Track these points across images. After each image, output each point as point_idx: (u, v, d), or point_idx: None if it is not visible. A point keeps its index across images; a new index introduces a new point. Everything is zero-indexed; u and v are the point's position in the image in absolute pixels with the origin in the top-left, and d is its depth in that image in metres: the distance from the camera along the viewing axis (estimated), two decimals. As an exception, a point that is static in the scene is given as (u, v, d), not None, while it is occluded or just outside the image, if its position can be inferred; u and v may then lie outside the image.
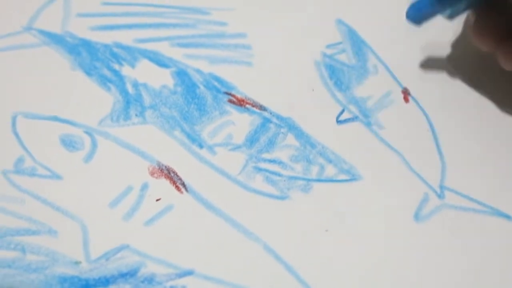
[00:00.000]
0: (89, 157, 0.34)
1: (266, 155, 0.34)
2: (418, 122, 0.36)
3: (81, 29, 0.38)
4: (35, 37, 0.37)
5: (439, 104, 0.36)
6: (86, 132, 0.34)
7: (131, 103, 0.35)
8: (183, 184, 0.33)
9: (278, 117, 0.36)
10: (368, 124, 0.36)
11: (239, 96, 0.36)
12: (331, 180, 0.34)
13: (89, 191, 0.33)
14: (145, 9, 0.39)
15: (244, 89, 0.36)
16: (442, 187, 0.34)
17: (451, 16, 0.35)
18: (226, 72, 0.37)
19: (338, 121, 0.36)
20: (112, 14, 0.38)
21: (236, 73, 0.37)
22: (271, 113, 0.36)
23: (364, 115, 0.36)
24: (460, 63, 0.38)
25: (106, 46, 0.37)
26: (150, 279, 0.31)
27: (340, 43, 0.38)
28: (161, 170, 0.33)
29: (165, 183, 0.33)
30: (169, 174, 0.33)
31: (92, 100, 0.35)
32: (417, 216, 0.33)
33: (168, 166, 0.34)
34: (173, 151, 0.34)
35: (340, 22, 0.39)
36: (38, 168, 0.33)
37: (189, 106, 0.36)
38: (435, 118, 0.36)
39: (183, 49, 0.38)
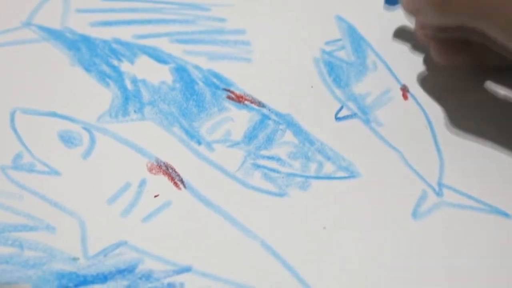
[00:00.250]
0: (87, 153, 0.34)
1: (264, 152, 0.34)
2: (417, 119, 0.36)
3: (81, 25, 0.38)
4: (34, 33, 0.37)
5: (437, 102, 0.36)
6: (85, 128, 0.34)
7: (129, 99, 0.35)
8: (181, 181, 0.33)
9: (277, 113, 0.36)
10: (367, 121, 0.36)
11: (238, 92, 0.36)
12: (329, 177, 0.34)
13: (87, 187, 0.33)
14: (144, 5, 0.39)
15: (243, 86, 0.36)
16: (440, 184, 0.34)
17: None
18: (225, 69, 0.37)
19: (337, 118, 0.36)
20: (111, 10, 0.38)
21: (235, 70, 0.37)
22: (269, 110, 0.36)
23: (363, 112, 0.36)
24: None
25: (105, 42, 0.37)
26: (148, 276, 0.31)
27: (339, 39, 0.38)
28: (159, 167, 0.33)
29: (163, 179, 0.33)
30: (167, 171, 0.33)
31: (91, 96, 0.35)
32: (415, 214, 0.33)
33: (167, 163, 0.34)
34: (171, 148, 0.34)
35: (339, 18, 0.39)
36: (37, 164, 0.33)
37: (188, 102, 0.36)
38: (434, 116, 0.36)
39: (182, 45, 0.38)
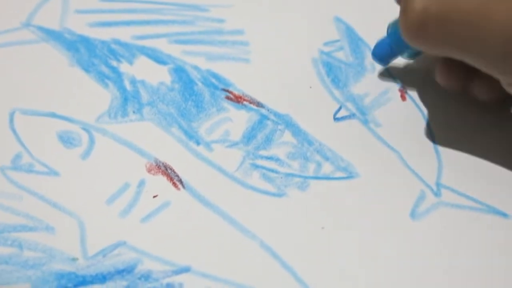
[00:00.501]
0: (86, 154, 0.34)
1: (263, 152, 0.34)
2: (415, 120, 0.36)
3: (79, 26, 0.38)
4: (33, 34, 0.37)
5: (436, 102, 0.36)
6: (84, 129, 0.34)
7: (128, 100, 0.35)
8: (180, 181, 0.33)
9: (276, 114, 0.36)
10: (365, 122, 0.36)
11: (236, 93, 0.36)
12: (328, 178, 0.34)
13: (86, 187, 0.33)
14: (143, 5, 0.39)
15: (241, 86, 0.36)
16: (438, 184, 0.34)
17: (410, 58, 0.36)
18: (224, 69, 0.37)
19: (335, 119, 0.36)
20: (110, 10, 0.38)
21: (233, 70, 0.37)
22: (268, 110, 0.36)
23: (361, 113, 0.36)
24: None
25: (104, 42, 0.37)
26: (147, 276, 0.31)
27: (338, 40, 0.38)
28: (158, 167, 0.33)
29: (162, 179, 0.33)
30: (166, 171, 0.33)
31: (90, 97, 0.35)
32: (413, 214, 0.33)
33: (165, 163, 0.34)
34: (170, 148, 0.34)
35: (338, 19, 0.39)
36: (36, 165, 0.33)
37: (187, 103, 0.36)
38: (432, 116, 0.36)
39: (181, 45, 0.38)
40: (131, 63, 0.37)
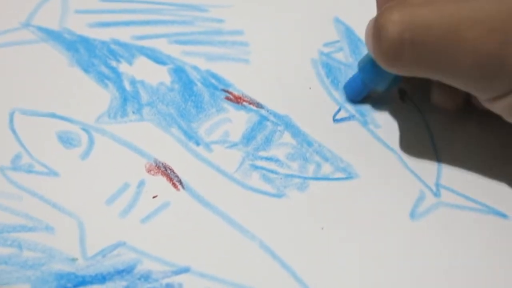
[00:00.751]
0: (86, 154, 0.34)
1: (262, 153, 0.34)
2: (414, 121, 0.36)
3: (79, 26, 0.38)
4: (33, 34, 0.37)
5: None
6: (83, 129, 0.34)
7: (128, 100, 0.35)
8: (180, 181, 0.33)
9: (275, 115, 0.36)
10: (365, 123, 0.36)
11: (236, 93, 0.36)
12: (327, 178, 0.34)
13: (86, 188, 0.33)
14: (143, 6, 0.39)
15: (241, 87, 0.36)
16: (438, 185, 0.34)
17: (385, 90, 0.35)
18: (224, 70, 0.37)
19: (335, 120, 0.36)
20: (110, 11, 0.38)
21: (233, 71, 0.37)
22: (268, 111, 0.36)
23: (361, 114, 0.36)
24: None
25: (103, 43, 0.37)
26: (146, 276, 0.31)
27: (338, 41, 0.38)
28: (157, 167, 0.34)
29: (161, 180, 0.33)
30: (166, 171, 0.33)
31: (90, 97, 0.35)
32: (413, 214, 0.33)
33: (165, 163, 0.34)
34: (170, 148, 0.34)
35: (337, 20, 0.39)
36: (35, 165, 0.33)
37: (186, 103, 0.36)
38: (431, 117, 0.36)
39: (181, 46, 0.38)
40: (130, 63, 0.37)
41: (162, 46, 0.37)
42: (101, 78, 0.36)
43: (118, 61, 0.37)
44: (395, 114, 0.36)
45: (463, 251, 0.32)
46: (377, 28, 0.29)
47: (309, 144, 0.35)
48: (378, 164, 0.35)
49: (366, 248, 0.32)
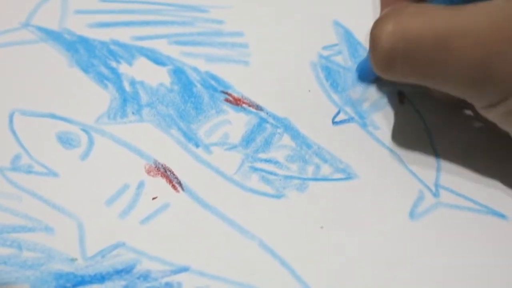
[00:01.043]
0: (85, 155, 0.34)
1: (262, 155, 0.34)
2: (413, 122, 0.36)
3: (79, 26, 0.38)
4: (32, 34, 0.37)
5: (434, 105, 0.36)
6: (83, 130, 0.34)
7: (128, 101, 0.35)
8: (179, 183, 0.33)
9: (275, 117, 0.36)
10: (364, 125, 0.36)
11: (235, 95, 0.36)
12: (326, 179, 0.34)
13: (86, 188, 0.33)
14: (143, 6, 0.39)
15: (240, 89, 0.36)
16: (437, 185, 0.34)
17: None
18: (223, 71, 0.37)
19: (334, 122, 0.36)
20: (110, 11, 0.38)
21: (233, 72, 0.37)
22: (267, 113, 0.36)
23: (360, 116, 0.36)
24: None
25: (103, 43, 0.37)
26: (145, 276, 0.31)
27: (337, 44, 0.38)
28: (157, 169, 0.34)
29: (161, 181, 0.33)
30: (166, 173, 0.33)
31: (89, 98, 0.35)
32: (412, 214, 0.33)
33: (165, 165, 0.34)
34: (169, 150, 0.34)
35: (336, 23, 0.39)
36: (35, 166, 0.33)
37: (186, 104, 0.36)
38: (430, 119, 0.36)
39: (181, 47, 0.38)
40: (130, 64, 0.37)
41: (162, 47, 0.37)
42: (101, 79, 0.36)
43: (117, 61, 0.37)
44: (394, 116, 0.36)
45: (462, 251, 0.32)
46: (372, 38, 0.30)
47: (308, 146, 0.35)
48: (377, 165, 0.35)
49: (366, 247, 0.32)
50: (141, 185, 0.33)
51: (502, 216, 0.33)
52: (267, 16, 0.39)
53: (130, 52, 0.37)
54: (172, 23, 0.38)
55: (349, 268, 0.32)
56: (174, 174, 0.33)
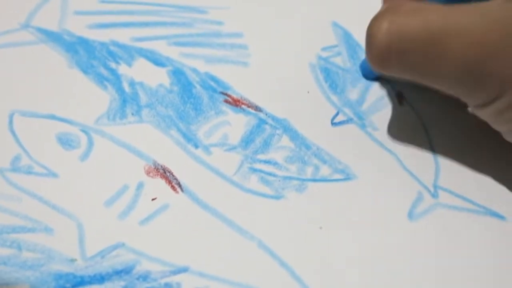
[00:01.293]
0: (85, 156, 0.34)
1: (261, 156, 0.34)
2: (412, 123, 0.36)
3: (79, 27, 0.38)
4: (32, 35, 0.37)
5: (433, 106, 0.36)
6: (83, 131, 0.34)
7: (127, 102, 0.35)
8: (179, 184, 0.33)
9: (274, 118, 0.36)
10: (363, 126, 0.36)
11: (235, 96, 0.36)
12: (325, 180, 0.34)
13: (85, 189, 0.33)
14: (142, 7, 0.39)
15: (240, 90, 0.36)
16: (436, 186, 0.34)
17: None
18: (222, 72, 0.37)
19: (333, 123, 0.36)
20: (109, 12, 0.38)
21: (232, 73, 0.37)
22: (266, 114, 0.36)
23: (359, 117, 0.36)
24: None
25: (103, 44, 0.37)
26: (145, 276, 0.31)
27: (336, 46, 0.38)
28: (157, 170, 0.34)
29: (160, 182, 0.33)
30: (165, 174, 0.33)
31: (89, 99, 0.35)
32: (411, 215, 0.33)
33: (164, 166, 0.34)
34: (169, 151, 0.34)
35: (336, 25, 0.39)
36: (35, 166, 0.33)
37: (185, 105, 0.36)
38: (429, 120, 0.36)
39: (180, 48, 0.38)
40: (129, 65, 0.37)
41: (161, 48, 0.37)
42: (100, 80, 0.36)
43: (117, 62, 0.37)
44: (393, 116, 0.36)
45: (461, 252, 0.32)
46: (368, 36, 0.30)
47: (308, 147, 0.35)
48: (376, 166, 0.35)
49: (364, 248, 0.32)
50: (140, 186, 0.33)
51: (500, 217, 0.34)
52: (266, 17, 0.39)
53: (130, 53, 0.37)
54: (171, 24, 0.38)
55: (348, 269, 0.32)
56: (173, 175, 0.33)
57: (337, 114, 0.36)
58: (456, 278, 0.32)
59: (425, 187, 0.34)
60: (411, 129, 0.36)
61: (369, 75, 0.37)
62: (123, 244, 0.31)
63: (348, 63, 0.38)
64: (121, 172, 0.33)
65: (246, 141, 0.35)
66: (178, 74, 0.37)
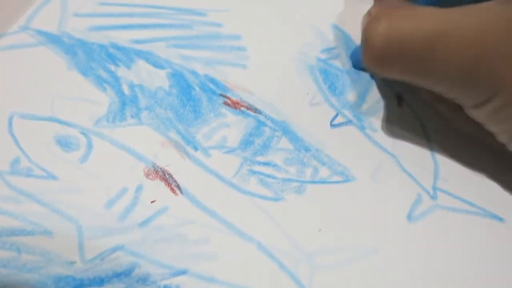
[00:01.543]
0: (84, 158, 0.34)
1: (260, 158, 0.34)
2: (411, 125, 0.36)
3: (78, 29, 0.38)
4: (32, 37, 0.37)
5: (432, 108, 0.36)
6: (82, 133, 0.34)
7: (126, 104, 0.35)
8: (178, 186, 0.33)
9: (273, 120, 0.36)
10: (362, 128, 0.36)
11: (234, 98, 0.36)
12: (324, 182, 0.34)
13: (85, 192, 0.33)
14: (142, 10, 0.39)
15: (239, 92, 0.36)
16: (435, 188, 0.34)
17: None
18: (222, 74, 0.37)
19: (332, 125, 0.36)
20: (109, 14, 0.38)
21: (231, 75, 0.37)
22: (265, 117, 0.36)
23: (358, 119, 0.36)
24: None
25: (102, 46, 0.37)
26: (144, 279, 0.31)
27: (335, 48, 0.38)
28: (156, 172, 0.34)
29: (160, 185, 0.33)
30: (164, 176, 0.34)
31: (88, 101, 0.35)
32: (410, 217, 0.33)
33: (163, 168, 0.34)
34: (168, 153, 0.34)
35: (335, 27, 0.39)
36: (34, 169, 0.33)
37: (184, 107, 0.36)
38: (428, 121, 0.36)
39: (179, 50, 0.38)
40: (129, 67, 0.37)
41: (161, 50, 0.37)
42: (100, 82, 0.36)
43: (116, 65, 0.37)
44: (392, 118, 0.36)
45: (460, 254, 0.32)
46: (365, 38, 0.31)
47: (307, 149, 0.35)
48: (375, 167, 0.35)
49: (364, 250, 0.32)
50: (139, 188, 0.33)
51: (499, 218, 0.34)
52: (265, 19, 0.39)
53: (129, 55, 0.37)
54: (170, 26, 0.38)
55: (347, 271, 0.32)
56: (172, 178, 0.33)
57: (336, 116, 0.36)
58: (455, 280, 0.32)
59: (424, 189, 0.34)
60: (410, 131, 0.36)
61: (359, 65, 0.38)
62: (122, 247, 0.31)
63: (347, 65, 0.38)
64: (120, 175, 0.33)
65: (245, 143, 0.35)
66: (177, 76, 0.37)
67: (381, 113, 0.36)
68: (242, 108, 0.36)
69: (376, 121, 0.36)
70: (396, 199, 0.34)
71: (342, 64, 0.38)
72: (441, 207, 0.34)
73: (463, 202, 0.34)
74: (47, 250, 0.31)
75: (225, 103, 0.36)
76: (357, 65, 0.38)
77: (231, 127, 0.35)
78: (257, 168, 0.34)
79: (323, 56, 0.38)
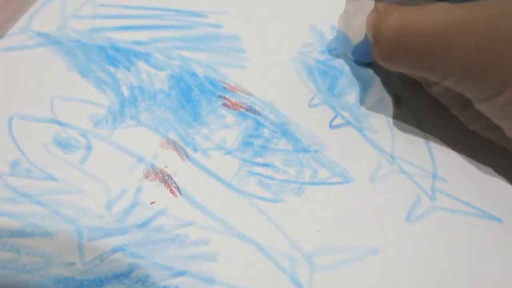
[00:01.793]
0: (84, 159, 0.34)
1: (259, 160, 0.34)
2: (410, 126, 0.36)
3: (78, 31, 0.38)
4: (31, 39, 0.37)
5: (430, 110, 0.36)
6: (82, 134, 0.34)
7: (126, 106, 0.35)
8: (177, 188, 0.33)
9: (272, 121, 0.36)
10: (361, 129, 0.36)
11: (233, 100, 0.36)
12: (323, 183, 0.34)
13: (84, 193, 0.33)
14: (141, 11, 0.39)
15: (238, 93, 0.36)
16: (433, 189, 0.34)
17: None
18: (221, 76, 0.37)
19: (331, 126, 0.36)
20: (108, 16, 0.38)
21: (230, 77, 0.37)
22: (265, 118, 0.36)
23: (357, 120, 0.36)
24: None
25: (101, 48, 0.37)
26: (144, 280, 0.31)
27: (334, 49, 0.38)
28: (155, 173, 0.34)
29: (159, 186, 0.33)
30: (164, 177, 0.34)
31: (88, 102, 0.35)
32: (409, 218, 0.33)
33: (163, 169, 0.34)
34: (167, 154, 0.34)
35: (334, 28, 0.39)
36: (34, 170, 0.33)
37: (184, 109, 0.36)
38: (427, 122, 0.36)
39: (178, 51, 0.38)
40: (128, 68, 0.37)
41: (160, 51, 0.37)
42: (99, 83, 0.36)
43: (116, 66, 0.37)
44: (391, 120, 0.36)
45: (458, 255, 0.32)
46: (375, 32, 0.31)
47: (306, 150, 0.35)
48: (374, 169, 0.35)
49: (363, 251, 0.32)
50: (139, 189, 0.33)
51: (497, 219, 0.34)
52: (265, 20, 0.39)
53: (128, 56, 0.37)
54: (170, 27, 0.38)
55: (346, 272, 0.32)
56: (172, 179, 0.33)
57: (335, 117, 0.36)
58: (454, 281, 0.32)
59: (423, 190, 0.34)
60: (408, 132, 0.36)
61: (364, 58, 0.38)
62: (122, 248, 0.31)
63: (347, 66, 0.38)
64: (120, 176, 0.33)
65: (245, 144, 0.35)
66: (176, 77, 0.37)
67: (380, 114, 0.36)
68: (241, 109, 0.36)
69: (375, 122, 0.36)
70: (395, 200, 0.34)
71: (341, 65, 0.38)
72: (440, 208, 0.34)
73: (462, 203, 0.34)
74: (46, 251, 0.31)
75: (224, 104, 0.36)
76: (361, 60, 0.38)
77: (230, 129, 0.35)
78: (256, 169, 0.34)
79: (322, 57, 0.38)
